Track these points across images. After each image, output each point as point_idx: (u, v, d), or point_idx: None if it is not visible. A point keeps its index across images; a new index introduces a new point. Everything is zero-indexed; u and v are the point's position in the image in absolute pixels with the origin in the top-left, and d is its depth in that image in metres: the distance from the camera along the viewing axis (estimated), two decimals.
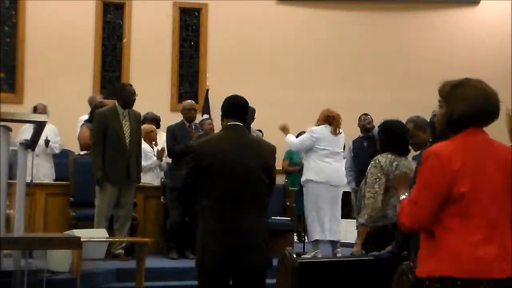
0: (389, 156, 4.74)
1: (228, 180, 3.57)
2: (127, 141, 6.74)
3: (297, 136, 7.92)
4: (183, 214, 7.10)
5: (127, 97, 6.89)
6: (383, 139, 4.88)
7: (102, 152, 6.68)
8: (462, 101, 2.54)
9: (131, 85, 7.21)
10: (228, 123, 3.74)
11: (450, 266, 2.41)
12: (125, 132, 6.75)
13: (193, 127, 7.42)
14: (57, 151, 8.46)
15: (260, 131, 8.03)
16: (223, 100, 3.85)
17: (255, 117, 7.42)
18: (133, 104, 6.94)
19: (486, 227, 2.43)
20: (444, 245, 2.44)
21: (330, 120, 7.44)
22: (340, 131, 7.48)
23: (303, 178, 7.52)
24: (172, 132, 7.40)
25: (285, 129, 7.63)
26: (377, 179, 4.68)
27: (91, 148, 6.94)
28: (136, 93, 6.99)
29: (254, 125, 7.57)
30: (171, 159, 7.58)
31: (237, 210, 3.59)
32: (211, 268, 3.56)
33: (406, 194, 2.62)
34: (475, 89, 2.56)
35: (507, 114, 4.00)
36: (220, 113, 3.82)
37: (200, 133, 7.08)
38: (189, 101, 8.03)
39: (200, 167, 3.56)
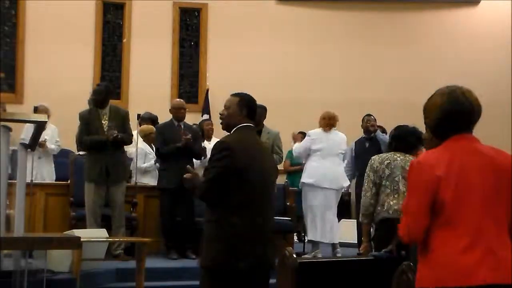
0: (385, 155, 4.85)
1: (257, 182, 3.54)
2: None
3: None
4: (174, 214, 7.09)
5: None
6: (390, 141, 5.13)
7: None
8: (431, 109, 2.60)
9: (98, 84, 7.30)
10: (247, 124, 3.67)
11: (436, 276, 2.41)
12: (103, 130, 6.74)
13: (182, 126, 7.39)
14: (55, 152, 8.46)
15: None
16: (243, 97, 3.71)
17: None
18: (98, 103, 6.86)
19: (472, 233, 2.42)
20: (431, 255, 2.44)
21: (324, 119, 7.53)
22: (334, 129, 7.52)
23: (300, 182, 7.61)
24: (161, 132, 7.39)
25: (295, 138, 7.87)
26: (367, 177, 4.82)
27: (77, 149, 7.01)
28: (100, 91, 6.91)
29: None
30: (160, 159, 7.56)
31: (264, 211, 3.59)
32: (241, 269, 3.47)
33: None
34: (440, 95, 2.60)
35: None
36: (240, 111, 3.66)
37: (188, 136, 7.09)
38: (178, 100, 8.02)
39: (234, 167, 3.47)
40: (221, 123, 3.81)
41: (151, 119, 8.65)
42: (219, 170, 3.48)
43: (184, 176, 3.64)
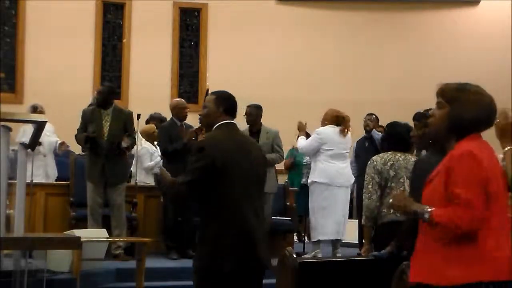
0: (386, 155, 4.75)
1: (242, 179, 3.45)
2: (103, 141, 6.72)
3: None
4: (176, 214, 7.10)
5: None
6: (384, 138, 5.05)
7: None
8: (472, 106, 2.53)
9: (102, 84, 7.28)
10: (228, 121, 3.61)
11: (483, 271, 2.40)
12: (104, 131, 6.74)
13: (184, 126, 7.39)
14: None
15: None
16: (220, 94, 3.66)
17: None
18: (100, 102, 6.85)
19: (508, 228, 2.47)
20: (471, 251, 2.42)
21: (339, 121, 7.37)
22: (348, 132, 7.45)
23: (309, 180, 7.49)
24: (166, 132, 7.37)
25: (301, 128, 7.67)
26: (371, 179, 4.70)
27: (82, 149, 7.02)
28: (102, 91, 6.94)
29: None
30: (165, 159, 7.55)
31: (252, 209, 3.47)
32: (231, 271, 3.37)
33: (428, 207, 2.48)
34: (481, 95, 2.57)
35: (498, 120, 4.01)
36: (217, 108, 3.59)
37: (192, 130, 7.07)
38: (179, 99, 8.03)
39: (212, 166, 3.38)
40: (200, 123, 3.76)
41: (159, 119, 8.62)
42: (197, 172, 3.41)
43: (160, 173, 3.63)
